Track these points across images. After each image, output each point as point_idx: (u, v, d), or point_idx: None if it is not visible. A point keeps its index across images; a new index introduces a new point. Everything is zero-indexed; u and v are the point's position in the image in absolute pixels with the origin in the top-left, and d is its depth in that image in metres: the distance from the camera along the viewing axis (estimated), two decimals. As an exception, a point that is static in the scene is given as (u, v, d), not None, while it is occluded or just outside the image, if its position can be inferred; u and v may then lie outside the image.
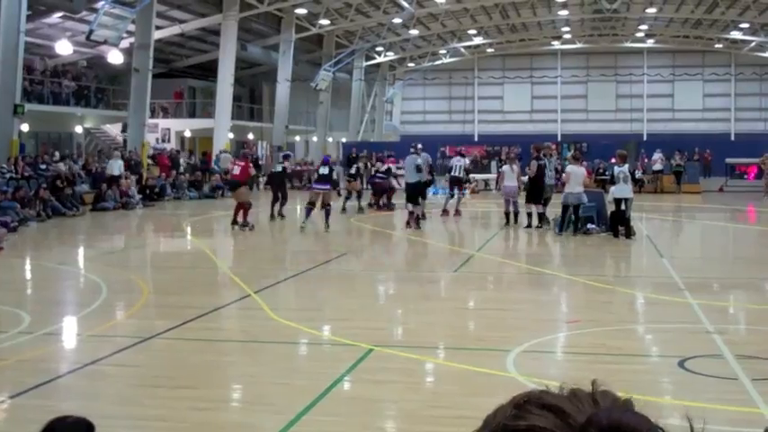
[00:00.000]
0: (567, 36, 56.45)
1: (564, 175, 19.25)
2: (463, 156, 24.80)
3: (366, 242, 19.79)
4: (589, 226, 18.80)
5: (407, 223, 20.19)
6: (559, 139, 47.76)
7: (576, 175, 18.51)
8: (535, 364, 7.89)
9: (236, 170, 20.65)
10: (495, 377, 7.27)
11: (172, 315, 9.90)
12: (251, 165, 22.14)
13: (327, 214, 19.83)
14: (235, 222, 20.08)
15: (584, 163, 34.32)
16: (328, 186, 20.06)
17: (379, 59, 55.16)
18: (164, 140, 40.68)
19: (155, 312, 10.64)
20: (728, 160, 39.60)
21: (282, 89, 43.48)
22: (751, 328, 9.83)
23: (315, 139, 50.26)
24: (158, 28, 35.28)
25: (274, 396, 6.81)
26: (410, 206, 20.13)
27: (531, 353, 8.28)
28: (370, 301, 11.62)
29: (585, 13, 49.37)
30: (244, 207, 19.94)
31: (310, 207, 19.94)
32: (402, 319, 10.43)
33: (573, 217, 18.57)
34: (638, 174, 34.72)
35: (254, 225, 20.51)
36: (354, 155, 34.21)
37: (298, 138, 50.76)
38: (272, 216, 22.47)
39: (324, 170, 20.26)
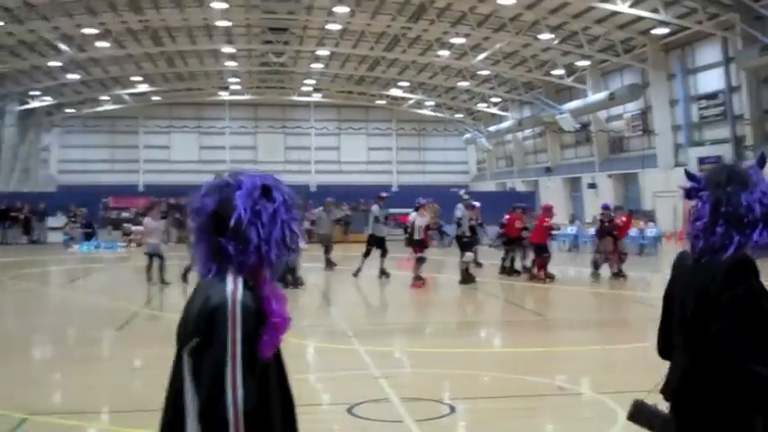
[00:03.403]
0: (236, 87, 57.04)
1: (143, 228, 20.78)
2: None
3: (19, 300, 18.19)
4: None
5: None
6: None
7: (148, 226, 19.87)
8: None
9: None
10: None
11: None
12: None
13: None
14: None
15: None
16: None
17: (33, 104, 52.00)
18: None
19: None
20: (392, 210, 41.81)
21: None
22: (414, 371, 10.18)
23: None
24: None
25: None
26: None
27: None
28: (22, 365, 10.53)
29: (253, 65, 50.20)
30: None
31: None
32: (59, 383, 9.57)
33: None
34: (307, 225, 35.53)
35: None
36: None
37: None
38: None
39: None
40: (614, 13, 34.20)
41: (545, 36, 37.79)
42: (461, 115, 61.69)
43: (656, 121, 38.91)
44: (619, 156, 43.83)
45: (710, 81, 35.32)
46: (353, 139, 62.95)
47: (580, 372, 10.05)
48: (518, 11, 36.01)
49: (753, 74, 31.58)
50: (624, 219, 21.25)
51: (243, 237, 2.50)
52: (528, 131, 55.51)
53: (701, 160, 35.06)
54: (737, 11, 30.46)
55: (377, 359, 10.22)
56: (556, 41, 39.12)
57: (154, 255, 19.31)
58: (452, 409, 7.92)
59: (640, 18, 34.16)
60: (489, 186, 58.85)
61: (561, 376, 9.50)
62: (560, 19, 36.49)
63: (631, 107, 41.63)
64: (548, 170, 51.32)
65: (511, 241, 21.57)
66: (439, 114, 61.44)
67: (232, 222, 2.49)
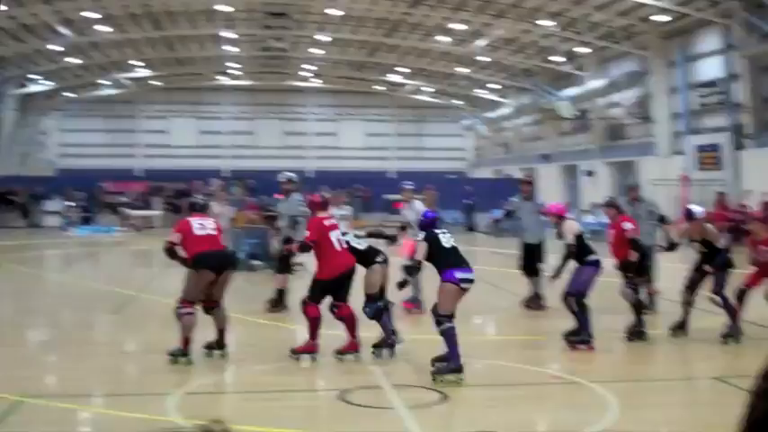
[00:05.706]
0: (235, 72, 56.94)
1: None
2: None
3: (16, 283, 18.23)
4: (253, 262, 19.18)
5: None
6: (226, 174, 47.59)
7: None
8: (198, 406, 7.58)
9: None
10: (155, 422, 6.89)
11: None
12: None
13: None
14: None
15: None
16: None
17: (33, 88, 51.87)
18: None
19: None
20: (387, 196, 41.87)
21: None
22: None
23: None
24: None
25: None
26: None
27: (195, 395, 8.00)
28: (17, 348, 10.59)
29: (253, 50, 50.13)
30: None
31: None
32: (54, 366, 9.63)
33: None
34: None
35: None
36: None
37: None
38: None
39: None
40: (615, 0, 34.13)
41: (545, 23, 37.70)
42: (460, 102, 61.61)
43: (655, 108, 38.86)
44: (617, 143, 43.78)
45: (710, 69, 35.20)
46: (351, 125, 62.89)
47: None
48: (518, -3, 35.95)
49: (753, 62, 31.53)
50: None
51: None
52: (526, 118, 55.44)
53: (700, 148, 35.05)
54: (738, -2, 30.45)
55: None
56: (556, 28, 39.02)
57: None
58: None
59: (641, 5, 34.09)
60: (486, 173, 58.85)
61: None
62: (561, 5, 36.40)
63: (630, 94, 41.56)
64: (545, 157, 51.29)
65: None
66: (437, 101, 61.35)
67: None
